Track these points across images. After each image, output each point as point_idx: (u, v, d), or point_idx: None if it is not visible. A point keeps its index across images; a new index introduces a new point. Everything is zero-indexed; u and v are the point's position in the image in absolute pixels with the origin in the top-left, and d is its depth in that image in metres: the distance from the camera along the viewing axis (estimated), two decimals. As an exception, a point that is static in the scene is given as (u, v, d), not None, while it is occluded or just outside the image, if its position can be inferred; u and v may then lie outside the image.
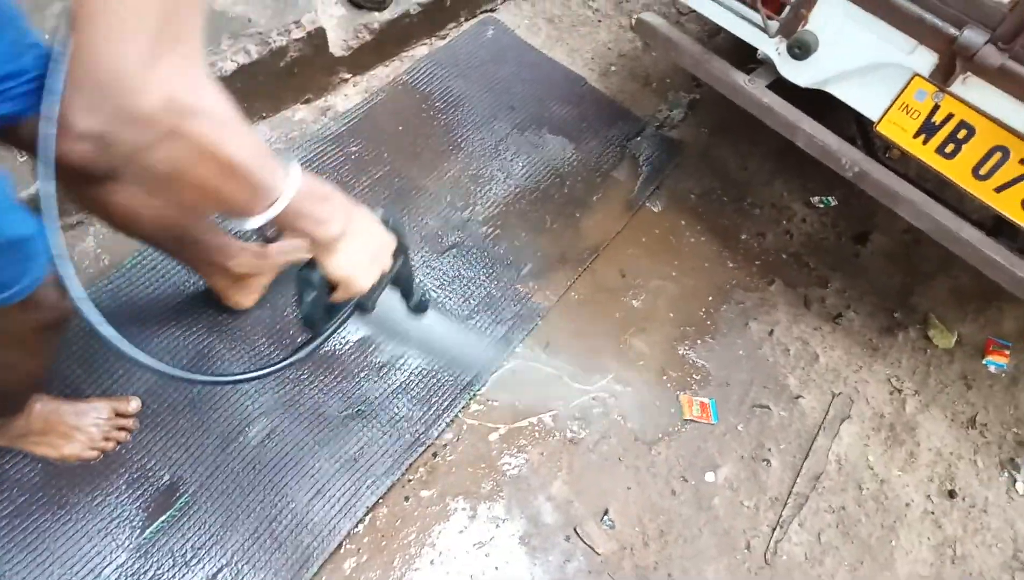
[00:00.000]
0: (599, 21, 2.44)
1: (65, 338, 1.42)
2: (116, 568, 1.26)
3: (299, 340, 1.04)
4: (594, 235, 1.92)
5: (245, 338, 1.53)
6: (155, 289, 1.54)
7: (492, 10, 2.32)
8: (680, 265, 1.93)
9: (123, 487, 1.33)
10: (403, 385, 1.56)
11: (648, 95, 2.28)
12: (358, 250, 0.86)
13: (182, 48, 0.59)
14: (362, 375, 1.54)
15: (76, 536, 1.27)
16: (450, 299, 1.70)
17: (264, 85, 1.76)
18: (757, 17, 1.58)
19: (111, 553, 1.27)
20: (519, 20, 2.35)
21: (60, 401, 1.32)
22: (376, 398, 1.52)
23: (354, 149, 1.87)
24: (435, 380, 1.58)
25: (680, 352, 1.78)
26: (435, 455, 1.51)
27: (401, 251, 0.98)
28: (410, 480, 1.47)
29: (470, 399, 1.59)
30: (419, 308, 1.13)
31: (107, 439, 1.35)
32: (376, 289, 0.94)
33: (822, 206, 2.15)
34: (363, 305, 0.95)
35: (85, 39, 0.56)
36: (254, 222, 0.74)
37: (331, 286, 0.89)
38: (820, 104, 1.66)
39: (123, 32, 0.56)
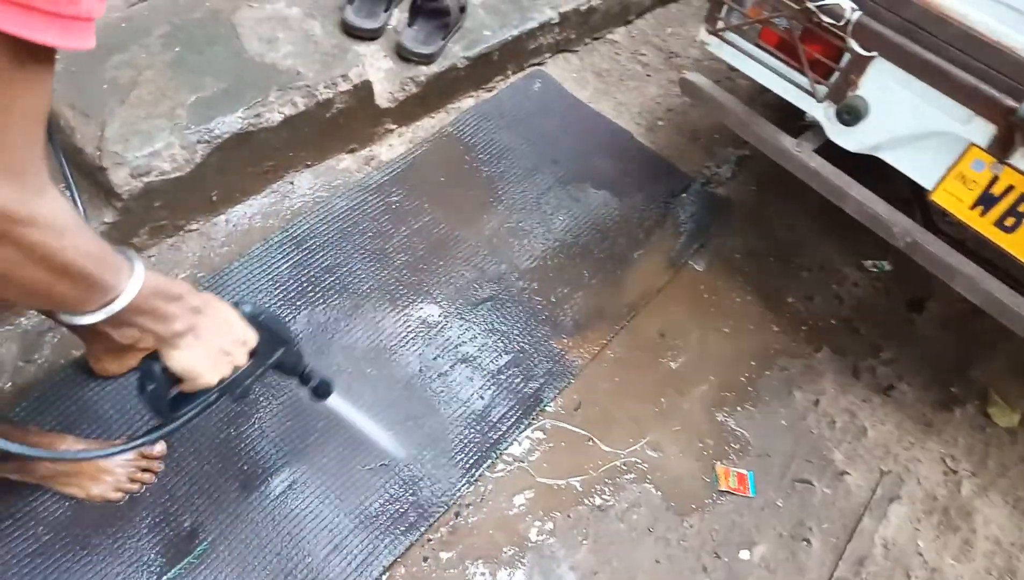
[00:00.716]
0: (648, 75, 2.43)
1: (98, 380, 1.46)
2: (131, 614, 1.26)
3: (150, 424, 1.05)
4: (634, 292, 1.88)
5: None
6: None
7: (540, 63, 2.33)
8: (722, 327, 1.88)
9: (144, 531, 1.33)
10: (428, 439, 1.53)
11: (695, 151, 2.25)
12: (204, 346, 0.88)
13: (9, 163, 0.59)
14: (387, 427, 1.52)
15: (95, 578, 1.28)
16: (482, 353, 1.68)
17: (309, 135, 1.80)
18: (805, 80, 1.55)
19: (127, 598, 1.27)
20: (567, 73, 2.35)
21: (87, 443, 1.34)
22: (400, 452, 1.50)
23: (395, 199, 1.89)
24: (462, 436, 1.55)
25: (719, 419, 1.72)
26: (457, 515, 1.48)
27: (278, 343, 1.04)
28: (430, 540, 1.44)
29: (497, 458, 1.55)
30: (319, 393, 1.19)
31: (133, 481, 1.37)
32: (245, 379, 0.99)
33: (875, 270, 2.06)
34: (232, 393, 0.99)
35: None
36: (89, 319, 0.75)
37: (174, 379, 0.91)
38: (873, 166, 1.60)
39: None
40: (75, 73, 1.63)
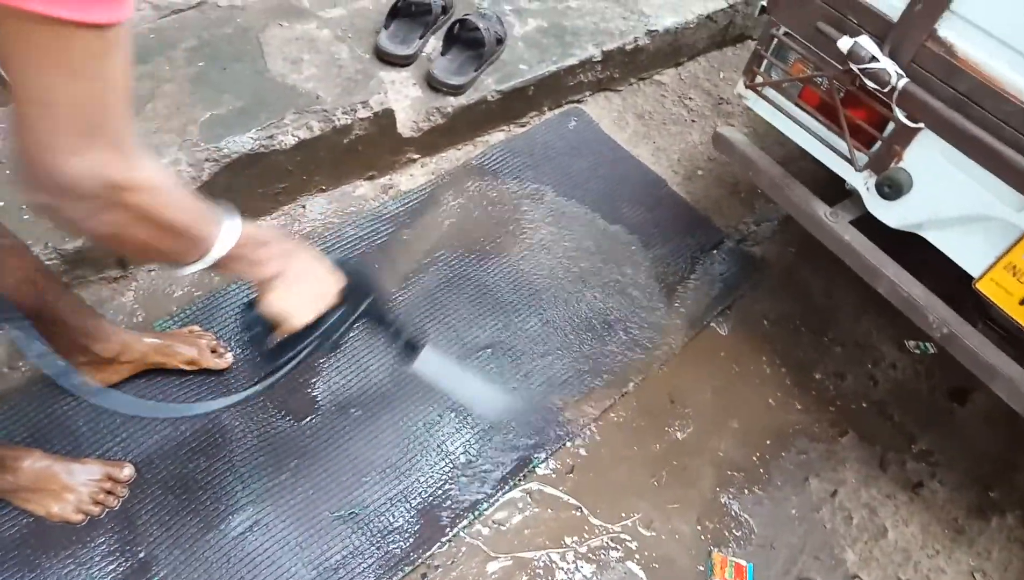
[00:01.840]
0: (692, 121, 2.32)
1: (71, 394, 1.43)
2: (69, 646, 1.22)
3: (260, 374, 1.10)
4: (647, 352, 1.76)
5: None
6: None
7: (579, 101, 2.25)
8: (739, 398, 1.75)
9: (97, 558, 1.29)
10: (405, 492, 1.45)
11: (734, 205, 2.13)
12: (294, 290, 0.96)
13: (110, 138, 0.68)
14: (364, 475, 1.45)
15: (38, 605, 1.24)
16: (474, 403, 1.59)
17: (325, 160, 1.76)
18: (844, 146, 1.43)
19: (68, 630, 1.23)
20: (606, 113, 2.27)
21: (53, 459, 1.30)
22: (373, 502, 1.43)
23: (407, 231, 1.83)
24: (441, 491, 1.47)
25: (723, 500, 1.59)
26: (424, 576, 1.39)
27: (364, 294, 1.09)
28: (391, 601, 1.35)
29: (475, 519, 1.46)
30: (409, 350, 1.22)
31: (96, 503, 1.33)
32: (336, 329, 1.05)
33: (917, 352, 1.90)
34: (326, 341, 1.05)
35: (26, 139, 0.66)
36: (193, 269, 0.85)
37: (270, 325, 0.98)
38: (917, 242, 1.46)
39: (55, 134, 0.66)
40: (96, 82, 1.62)
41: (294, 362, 1.04)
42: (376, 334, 1.19)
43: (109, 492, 1.34)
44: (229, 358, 1.54)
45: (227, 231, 0.85)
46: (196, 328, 1.55)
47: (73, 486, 1.31)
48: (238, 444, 1.44)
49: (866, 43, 1.30)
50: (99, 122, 0.67)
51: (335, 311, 1.05)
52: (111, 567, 1.28)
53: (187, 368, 1.49)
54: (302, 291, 0.98)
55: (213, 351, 1.52)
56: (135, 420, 1.43)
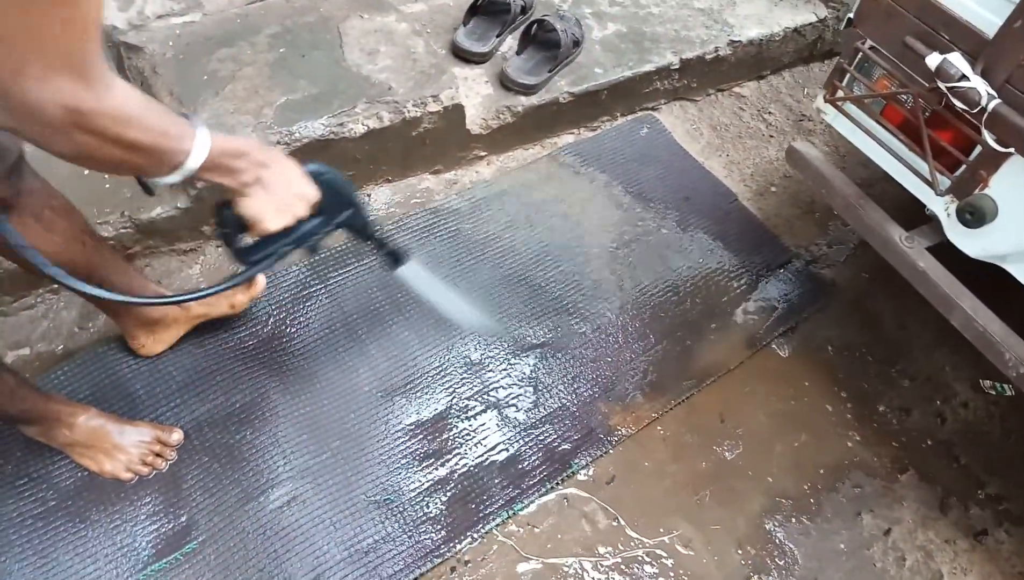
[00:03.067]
0: (770, 137, 2.25)
1: (136, 358, 1.49)
2: (109, 597, 1.26)
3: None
4: (701, 366, 1.72)
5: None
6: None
7: (653, 108, 2.22)
8: (794, 424, 1.68)
9: (142, 517, 1.34)
10: (442, 482, 1.46)
11: (807, 225, 2.06)
12: (269, 196, 1.02)
13: (76, 67, 0.71)
14: (402, 462, 1.47)
15: (85, 555, 1.29)
16: (519, 402, 1.58)
17: (393, 150, 1.78)
18: (926, 168, 1.36)
19: (109, 581, 1.28)
20: (680, 123, 2.23)
21: (107, 418, 1.36)
22: (409, 490, 1.44)
23: (468, 226, 1.84)
24: (479, 485, 1.47)
25: (767, 527, 1.53)
26: (453, 570, 1.39)
27: (343, 205, 1.17)
28: (417, 591, 1.36)
29: (509, 516, 1.45)
30: (393, 260, 1.33)
31: (145, 464, 1.38)
32: (312, 234, 1.13)
33: (993, 393, 1.78)
34: (301, 245, 1.14)
35: None
36: (169, 180, 0.89)
37: (245, 225, 1.05)
38: (995, 277, 1.38)
39: (22, 62, 0.69)
40: (182, 61, 1.70)
41: (265, 263, 1.13)
42: (360, 244, 1.27)
43: (158, 455, 1.39)
44: (262, 281, 1.56)
45: (199, 145, 0.89)
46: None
47: (124, 446, 1.37)
48: (284, 420, 1.47)
49: (957, 60, 1.23)
50: (65, 51, 0.70)
51: (311, 220, 1.11)
52: (154, 527, 1.33)
53: (232, 311, 1.53)
54: (275, 199, 1.03)
55: (248, 282, 1.51)
56: (189, 387, 1.48)
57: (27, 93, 0.70)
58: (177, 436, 1.41)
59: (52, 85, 0.70)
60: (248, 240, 1.11)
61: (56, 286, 1.56)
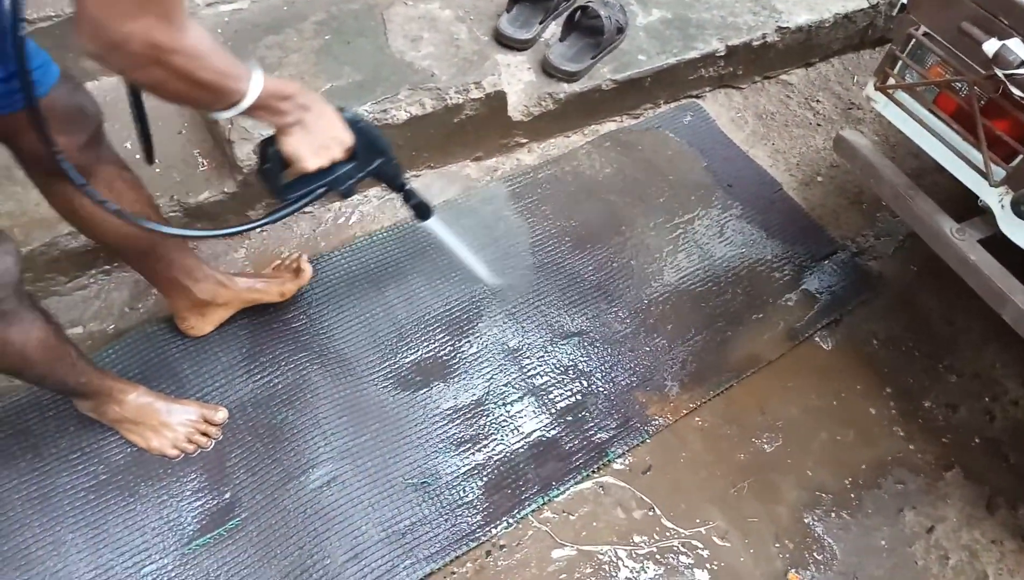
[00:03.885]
0: (818, 125, 2.20)
1: (184, 339, 1.53)
2: (156, 568, 1.30)
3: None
4: (741, 358, 1.70)
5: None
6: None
7: (698, 96, 2.19)
8: (836, 417, 1.65)
9: (188, 493, 1.38)
10: (478, 467, 1.47)
11: (854, 216, 2.01)
12: (308, 137, 1.11)
13: (160, 8, 0.81)
14: (440, 446, 1.48)
15: (134, 527, 1.34)
16: (556, 389, 1.59)
17: (435, 137, 1.79)
18: (980, 158, 1.32)
19: (156, 554, 1.32)
20: (725, 111, 2.19)
21: (155, 396, 1.40)
22: (446, 474, 1.45)
23: (509, 213, 1.84)
24: (515, 471, 1.48)
25: (806, 520, 1.51)
26: (488, 554, 1.40)
27: (376, 153, 1.25)
28: (453, 573, 1.37)
29: (544, 503, 1.46)
30: (418, 212, 1.42)
31: (190, 442, 1.42)
32: (346, 178, 1.22)
33: (1046, 391, 1.74)
34: (335, 188, 1.23)
35: (87, 6, 0.79)
36: (224, 115, 1.00)
37: (286, 162, 1.13)
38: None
39: (113, 5, 0.79)
40: (230, 48, 1.71)
41: (302, 202, 1.21)
42: (389, 192, 1.36)
43: (204, 434, 1.43)
44: (309, 270, 1.60)
45: (253, 87, 0.98)
46: (281, 261, 1.62)
47: (171, 424, 1.41)
48: (325, 401, 1.50)
49: (1016, 46, 1.19)
50: (152, 3, 0.80)
51: (346, 164, 1.20)
52: (199, 503, 1.37)
53: (280, 298, 1.57)
54: (314, 140, 1.12)
55: (296, 273, 1.59)
56: (234, 368, 1.52)
57: (118, 28, 0.80)
58: (222, 415, 1.45)
59: (140, 23, 0.80)
60: (287, 179, 1.19)
61: (108, 268, 1.61)
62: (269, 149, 1.13)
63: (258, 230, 1.75)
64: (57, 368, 1.23)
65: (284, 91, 1.06)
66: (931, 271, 1.89)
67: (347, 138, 1.17)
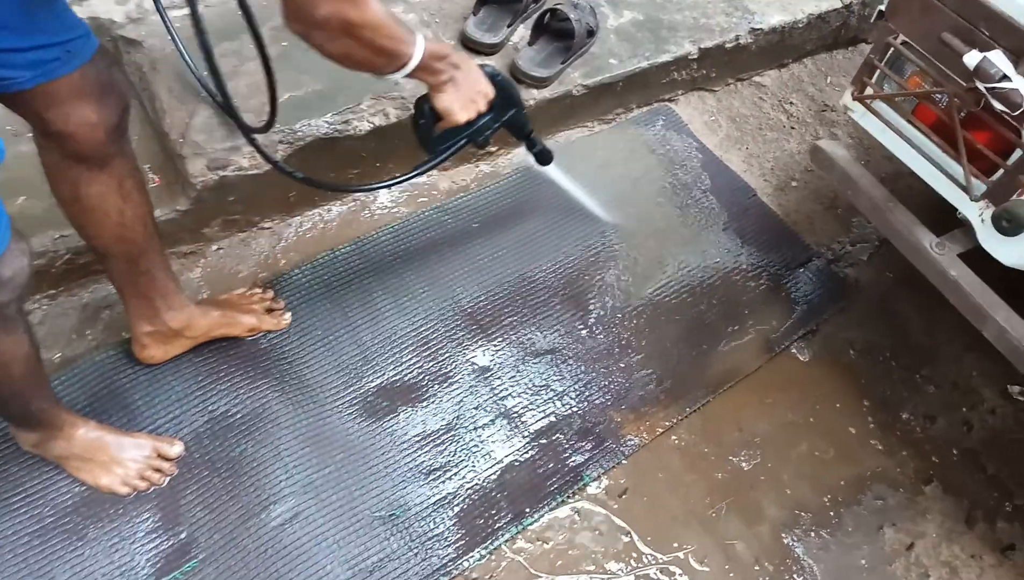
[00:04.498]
0: (792, 128, 2.17)
1: (135, 367, 1.45)
2: (108, 618, 1.23)
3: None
4: (717, 372, 1.66)
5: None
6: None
7: (671, 100, 2.14)
8: (815, 432, 1.62)
9: (141, 534, 1.30)
10: (449, 497, 1.41)
11: (829, 221, 1.98)
12: (459, 92, 1.28)
13: None
14: (408, 475, 1.42)
15: (82, 574, 1.25)
16: (529, 411, 1.53)
17: (400, 148, 1.72)
18: (960, 172, 1.28)
19: (108, 601, 1.24)
20: (698, 114, 2.15)
21: (105, 430, 1.32)
22: (415, 505, 1.39)
23: (475, 226, 1.78)
24: (487, 499, 1.42)
25: (786, 541, 1.48)
26: (460, 588, 1.35)
27: (510, 104, 1.41)
28: (424, 610, 1.32)
29: (519, 531, 1.41)
30: (540, 159, 1.59)
31: (143, 478, 1.34)
32: (484, 129, 1.39)
33: (1022, 399, 1.72)
34: (475, 140, 1.40)
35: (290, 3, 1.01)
36: (394, 76, 1.17)
37: (437, 117, 1.31)
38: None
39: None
40: (180, 57, 1.63)
41: (449, 152, 1.39)
42: (515, 139, 1.52)
43: (157, 470, 1.35)
44: (287, 318, 1.55)
45: (418, 50, 1.15)
46: (258, 291, 1.56)
47: (122, 459, 1.32)
48: (287, 431, 1.43)
49: (997, 59, 1.15)
50: None
51: (484, 116, 1.35)
52: (153, 544, 1.29)
53: (249, 334, 1.51)
54: (463, 95, 1.29)
55: (270, 312, 1.54)
56: (189, 397, 1.44)
57: (318, 13, 1.00)
58: (177, 449, 1.37)
59: (333, 5, 1.00)
60: (437, 133, 1.35)
61: (53, 292, 1.52)
62: (425, 105, 1.30)
63: (215, 247, 1.67)
64: (29, 389, 1.17)
65: (440, 52, 1.21)
66: (907, 277, 1.86)
67: (490, 91, 1.33)
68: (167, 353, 1.45)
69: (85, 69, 1.04)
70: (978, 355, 1.76)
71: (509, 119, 1.42)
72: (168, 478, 1.36)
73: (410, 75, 1.17)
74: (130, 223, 1.22)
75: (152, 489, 1.34)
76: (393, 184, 1.46)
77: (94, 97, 1.06)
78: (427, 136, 1.35)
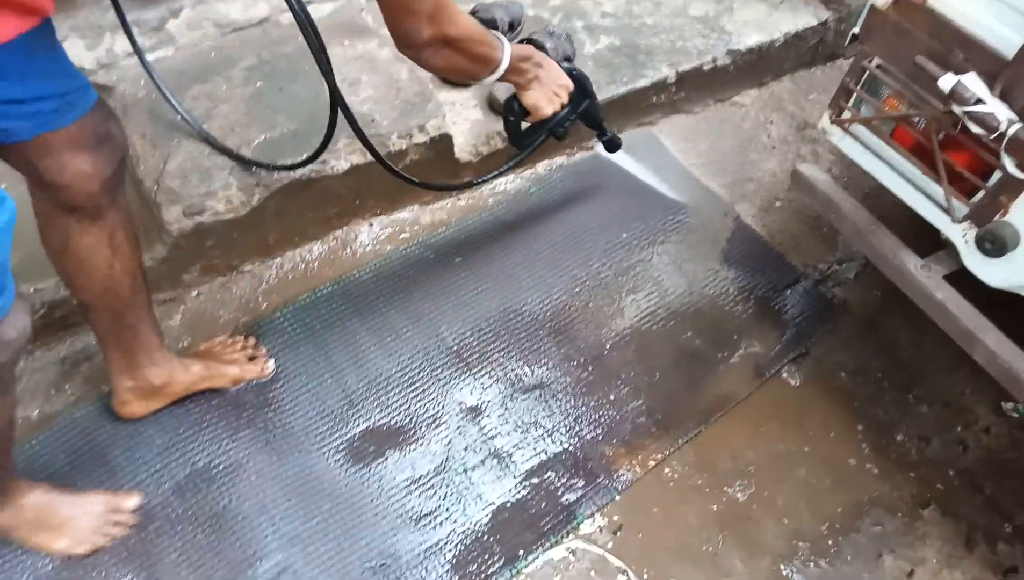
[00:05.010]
0: (773, 148, 2.16)
1: (115, 422, 1.42)
2: None
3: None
4: (708, 400, 1.64)
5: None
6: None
7: (651, 123, 2.13)
8: (809, 459, 1.60)
9: (123, 597, 1.27)
10: (440, 543, 1.38)
11: (815, 241, 1.97)
12: (544, 89, 1.44)
13: (444, 18, 1.18)
14: (398, 522, 1.39)
15: (64, 640, 1.22)
16: (519, 450, 1.51)
17: (380, 185, 1.70)
18: (941, 194, 1.27)
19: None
20: (678, 137, 2.14)
21: (55, 492, 1.27)
22: (406, 553, 1.36)
23: (459, 260, 1.76)
24: (480, 543, 1.39)
25: (784, 572, 1.45)
26: (454, 637, 1.32)
27: (584, 96, 1.55)
28: (418, 662, 1.29)
29: (513, 575, 1.38)
30: (610, 146, 1.72)
31: (101, 535, 1.29)
32: (564, 121, 1.54)
33: (1016, 415, 1.70)
34: (555, 133, 1.56)
35: (399, 22, 1.18)
36: (489, 79, 1.35)
37: (525, 113, 1.48)
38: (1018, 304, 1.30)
39: (415, 22, 1.16)
40: (154, 100, 1.62)
41: (534, 146, 1.58)
42: (588, 128, 1.64)
43: (116, 523, 1.30)
44: (271, 365, 1.53)
45: (506, 54, 1.31)
46: (239, 339, 1.54)
47: (74, 519, 1.28)
48: (272, 482, 1.40)
49: (972, 82, 1.14)
50: (437, 13, 1.16)
51: (564, 108, 1.49)
52: (137, 606, 1.26)
53: (231, 385, 1.49)
54: (547, 91, 1.44)
55: (252, 360, 1.51)
56: (171, 450, 1.41)
57: (421, 35, 1.17)
58: (133, 502, 1.33)
59: (432, 29, 1.17)
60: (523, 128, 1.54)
61: (30, 347, 1.48)
62: (513, 103, 1.46)
63: (194, 293, 1.64)
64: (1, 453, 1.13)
65: (525, 53, 1.37)
66: (895, 295, 1.83)
67: (570, 84, 1.48)
68: (148, 408, 1.42)
69: (83, 120, 1.03)
70: (968, 372, 1.74)
71: (584, 110, 1.55)
72: (129, 528, 1.31)
73: (502, 78, 1.34)
74: (119, 276, 1.21)
75: (129, 545, 1.30)
76: (495, 177, 1.68)
77: (90, 148, 1.05)
78: (516, 132, 1.51)
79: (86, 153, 1.05)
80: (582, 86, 1.51)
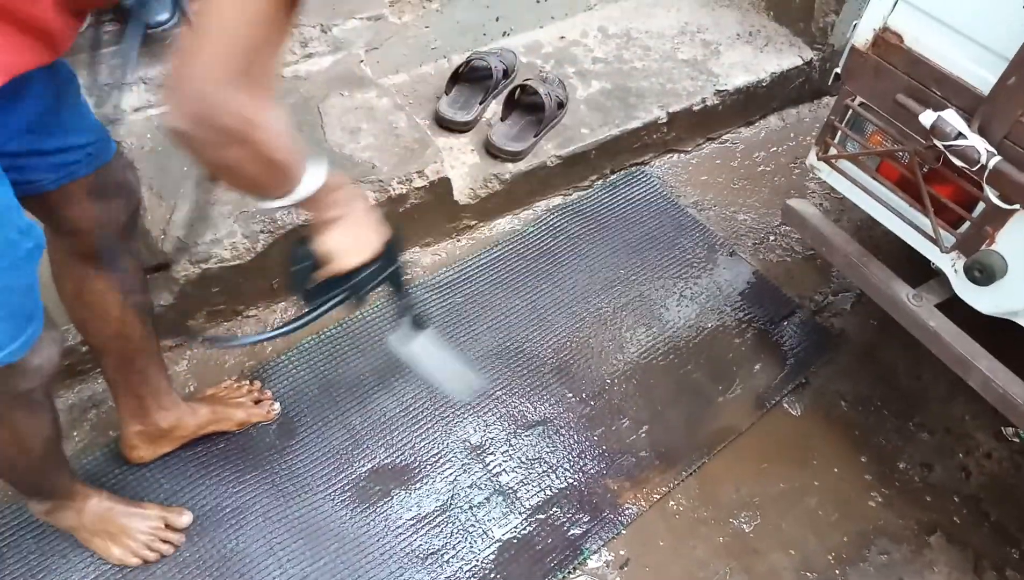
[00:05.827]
0: (764, 183, 2.21)
1: (123, 467, 1.43)
2: None
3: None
4: (710, 432, 1.66)
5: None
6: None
7: (644, 163, 2.18)
8: (814, 488, 1.61)
9: (134, 641, 1.27)
10: (447, 582, 1.39)
11: (809, 273, 2.00)
12: (350, 232, 1.01)
13: (258, 80, 0.76)
14: (405, 562, 1.40)
15: None
16: (524, 486, 1.52)
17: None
18: (929, 225, 1.31)
19: None
20: (671, 176, 2.19)
21: (115, 501, 1.32)
22: (413, 593, 1.37)
23: (459, 300, 1.79)
24: (486, 581, 1.40)
25: (792, 604, 1.45)
26: (463, 678, 1.31)
27: (393, 255, 1.12)
28: None
29: (520, 614, 1.38)
30: (416, 323, 1.26)
31: (151, 549, 1.33)
32: (371, 278, 1.09)
33: (1017, 440, 1.72)
34: (357, 292, 1.09)
35: (188, 63, 0.73)
36: (278, 204, 0.90)
37: (318, 263, 1.02)
38: (1011, 329, 1.32)
39: (217, 65, 0.73)
40: (161, 154, 1.67)
41: (327, 307, 1.08)
42: (392, 300, 1.23)
43: (165, 540, 1.35)
44: (276, 408, 1.55)
45: (312, 176, 0.90)
46: (245, 383, 1.56)
47: (131, 530, 1.32)
48: (278, 524, 1.41)
49: (951, 118, 1.19)
50: (254, 64, 0.74)
51: (370, 266, 1.07)
52: (146, 651, 1.26)
53: (237, 428, 1.51)
54: (352, 237, 1.02)
55: (257, 403, 1.54)
56: (178, 495, 1.42)
57: (215, 95, 0.73)
58: (186, 519, 1.37)
59: (235, 92, 0.74)
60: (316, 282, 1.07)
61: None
62: (300, 249, 1.03)
63: (200, 339, 1.67)
64: (46, 466, 1.18)
65: (334, 183, 0.96)
66: (892, 323, 1.85)
67: (383, 235, 1.07)
68: (155, 452, 1.44)
69: (102, 170, 1.06)
70: (967, 398, 1.76)
71: (392, 273, 1.14)
72: (176, 549, 1.35)
73: (299, 204, 0.93)
74: (130, 322, 1.24)
75: (162, 563, 1.33)
76: (275, 336, 1.18)
77: (107, 198, 1.09)
78: (302, 284, 1.06)
79: (105, 201, 1.09)
80: (392, 242, 1.11)
